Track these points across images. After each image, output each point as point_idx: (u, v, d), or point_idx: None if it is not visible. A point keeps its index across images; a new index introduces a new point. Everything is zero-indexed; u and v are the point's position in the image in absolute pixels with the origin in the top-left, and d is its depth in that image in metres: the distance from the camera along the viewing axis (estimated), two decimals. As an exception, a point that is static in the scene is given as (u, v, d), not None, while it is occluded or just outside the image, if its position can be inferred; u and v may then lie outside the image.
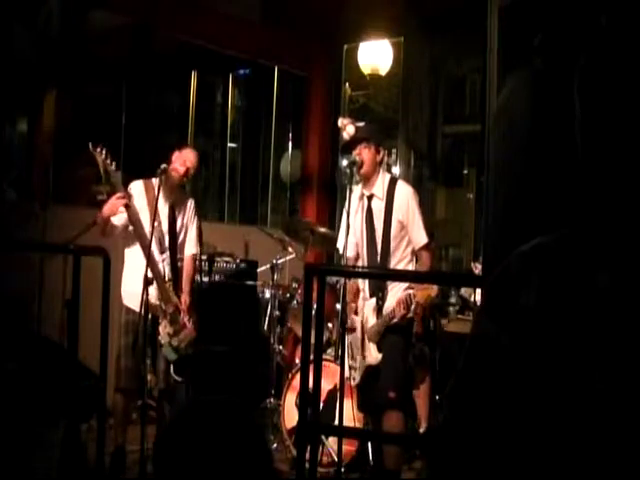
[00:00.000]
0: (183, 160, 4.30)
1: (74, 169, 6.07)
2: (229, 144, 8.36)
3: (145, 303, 3.89)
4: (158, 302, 4.13)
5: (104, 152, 4.00)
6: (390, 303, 4.02)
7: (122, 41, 6.91)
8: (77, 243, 3.93)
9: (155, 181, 4.23)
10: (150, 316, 3.99)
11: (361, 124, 4.41)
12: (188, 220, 4.44)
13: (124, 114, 7.14)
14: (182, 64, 7.58)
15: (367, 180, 4.11)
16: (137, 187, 4.29)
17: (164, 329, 4.18)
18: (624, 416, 0.84)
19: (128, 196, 4.11)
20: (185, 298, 4.30)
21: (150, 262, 3.98)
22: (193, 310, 4.36)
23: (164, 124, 8.00)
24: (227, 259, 5.59)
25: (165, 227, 4.30)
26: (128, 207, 4.08)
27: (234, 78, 8.24)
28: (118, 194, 4.07)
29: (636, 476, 0.83)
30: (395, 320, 3.95)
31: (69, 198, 5.83)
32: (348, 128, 4.30)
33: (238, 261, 5.67)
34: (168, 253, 4.27)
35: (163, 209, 4.28)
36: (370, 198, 4.13)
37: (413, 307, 3.89)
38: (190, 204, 4.45)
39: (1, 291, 4.32)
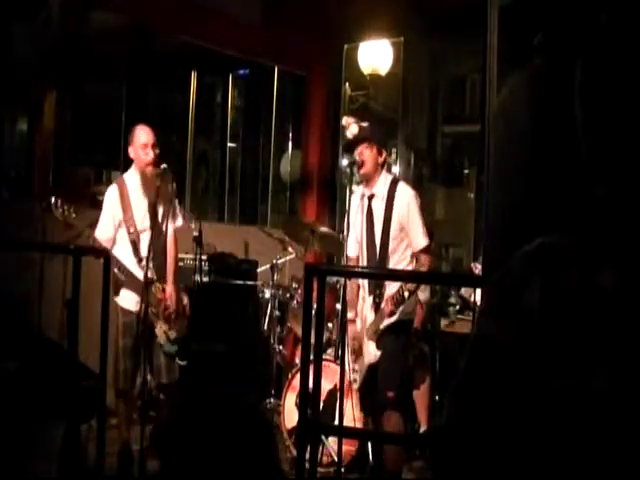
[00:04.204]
0: (140, 146, 4.13)
1: (74, 169, 6.07)
2: (229, 144, 8.35)
3: (145, 304, 3.88)
4: (150, 311, 4.10)
5: (59, 203, 3.93)
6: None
7: (122, 41, 6.91)
8: (77, 243, 3.92)
9: (131, 176, 4.21)
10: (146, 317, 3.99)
11: (365, 124, 4.39)
12: (168, 201, 4.25)
13: (124, 114, 7.14)
14: (182, 64, 7.58)
15: (368, 180, 4.11)
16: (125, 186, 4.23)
17: (160, 329, 4.18)
18: (626, 416, 0.84)
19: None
20: (169, 288, 4.23)
21: (146, 266, 3.96)
22: (184, 294, 4.37)
23: (164, 124, 7.99)
24: (227, 259, 5.59)
25: (147, 224, 4.19)
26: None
27: (234, 78, 8.24)
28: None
29: (636, 476, 0.83)
30: (386, 319, 3.96)
31: (69, 198, 5.82)
32: (351, 127, 4.29)
33: (238, 261, 5.67)
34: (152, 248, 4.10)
35: (143, 207, 4.20)
36: (371, 198, 4.14)
37: (407, 295, 3.85)
38: (166, 177, 4.14)
39: (1, 291, 4.32)
